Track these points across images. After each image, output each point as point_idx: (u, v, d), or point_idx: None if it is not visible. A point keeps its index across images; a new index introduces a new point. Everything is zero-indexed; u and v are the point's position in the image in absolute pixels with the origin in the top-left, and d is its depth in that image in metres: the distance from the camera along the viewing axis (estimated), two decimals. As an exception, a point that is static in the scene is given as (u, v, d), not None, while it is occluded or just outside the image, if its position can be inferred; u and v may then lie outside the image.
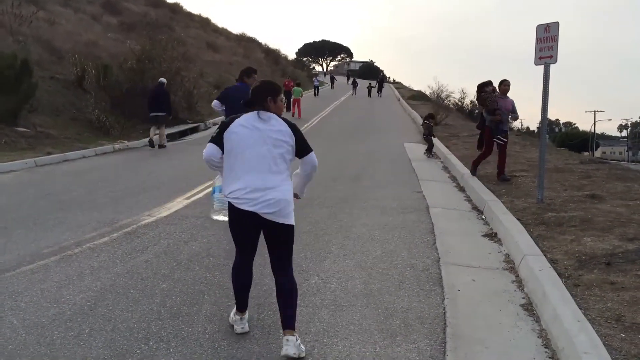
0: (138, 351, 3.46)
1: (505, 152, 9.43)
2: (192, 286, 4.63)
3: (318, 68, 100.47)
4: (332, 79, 59.55)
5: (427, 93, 34.44)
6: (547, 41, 7.28)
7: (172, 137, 17.27)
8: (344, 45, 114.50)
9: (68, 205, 7.76)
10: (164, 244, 5.83)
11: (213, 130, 19.30)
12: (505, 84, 9.50)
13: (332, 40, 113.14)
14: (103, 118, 15.85)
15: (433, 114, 15.95)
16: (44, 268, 5.02)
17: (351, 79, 55.19)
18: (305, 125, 21.17)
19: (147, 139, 14.95)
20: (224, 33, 44.97)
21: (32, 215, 7.13)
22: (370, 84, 47.54)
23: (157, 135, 14.79)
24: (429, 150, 13.87)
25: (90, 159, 12.74)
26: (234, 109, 5.13)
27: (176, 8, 39.67)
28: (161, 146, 14.70)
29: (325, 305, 4.22)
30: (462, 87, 56.24)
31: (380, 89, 46.84)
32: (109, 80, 17.77)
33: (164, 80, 15.55)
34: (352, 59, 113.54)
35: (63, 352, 3.43)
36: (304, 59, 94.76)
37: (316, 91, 42.55)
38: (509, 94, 9.45)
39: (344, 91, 48.30)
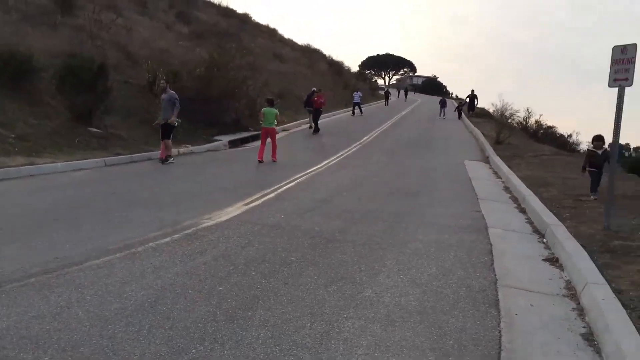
0: (194, 350, 3.56)
1: None
2: (247, 291, 4.72)
3: (380, 81, 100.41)
4: (387, 95, 50.05)
5: (491, 111, 33.70)
6: (623, 63, 7.03)
7: (234, 144, 17.70)
8: (408, 59, 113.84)
9: (133, 205, 8.08)
10: (222, 248, 5.98)
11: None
12: None
13: (396, 54, 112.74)
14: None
15: (601, 136, 9.85)
16: (109, 264, 5.25)
17: (439, 99, 42.58)
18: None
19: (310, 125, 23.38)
20: (289, 44, 45.68)
21: (100, 212, 7.46)
22: (460, 102, 41.02)
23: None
24: (594, 190, 9.65)
25: (155, 162, 13.20)
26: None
27: (245, 18, 40.67)
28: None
29: (378, 320, 4.21)
30: (528, 106, 54.13)
31: (472, 108, 37.96)
32: (178, 86, 18.39)
33: (315, 88, 23.97)
34: (415, 74, 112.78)
35: (123, 346, 3.58)
36: (367, 71, 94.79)
37: (355, 110, 33.54)
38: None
39: (399, 110, 43.93)
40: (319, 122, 23.03)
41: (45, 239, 6.01)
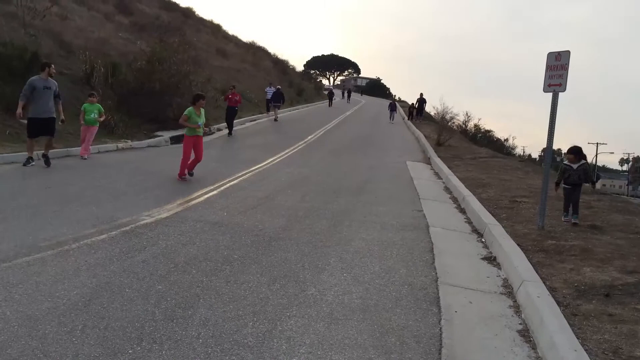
0: (130, 351, 3.42)
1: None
2: (187, 289, 4.59)
3: (325, 81, 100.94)
4: (331, 96, 47.45)
5: (432, 114, 34.41)
6: (557, 69, 7.31)
7: (176, 140, 17.26)
8: (352, 60, 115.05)
9: (68, 200, 7.73)
10: (162, 245, 5.80)
11: (216, 135, 19.14)
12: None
13: (340, 55, 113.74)
14: (108, 116, 15.83)
15: (577, 148, 8.24)
16: (41, 261, 4.99)
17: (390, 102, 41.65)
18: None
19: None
20: (233, 40, 45.18)
21: (31, 207, 7.10)
22: (412, 104, 40.80)
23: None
24: (566, 209, 8.24)
25: (92, 156, 12.71)
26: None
27: (188, 12, 39.91)
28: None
29: (321, 318, 4.19)
30: (467, 110, 56.06)
31: (420, 112, 37.35)
32: (117, 79, 17.82)
33: (279, 86, 28.89)
34: (359, 75, 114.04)
35: (54, 347, 3.40)
36: (312, 71, 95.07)
37: (269, 107, 29.00)
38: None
39: (343, 111, 42.68)
40: (233, 123, 20.42)
41: (-31, 235, 5.65)
